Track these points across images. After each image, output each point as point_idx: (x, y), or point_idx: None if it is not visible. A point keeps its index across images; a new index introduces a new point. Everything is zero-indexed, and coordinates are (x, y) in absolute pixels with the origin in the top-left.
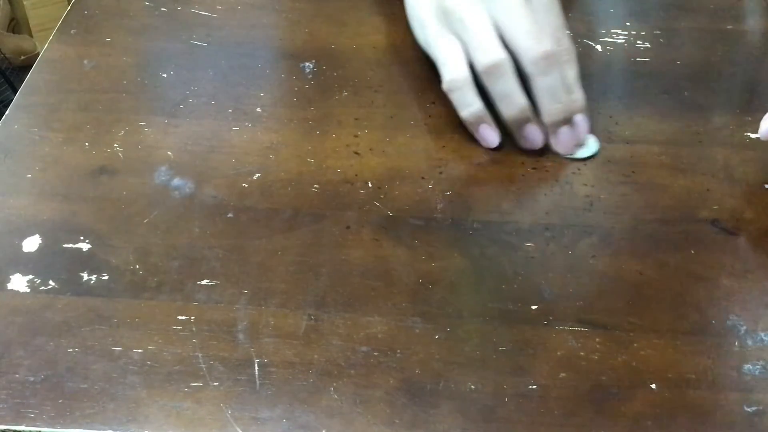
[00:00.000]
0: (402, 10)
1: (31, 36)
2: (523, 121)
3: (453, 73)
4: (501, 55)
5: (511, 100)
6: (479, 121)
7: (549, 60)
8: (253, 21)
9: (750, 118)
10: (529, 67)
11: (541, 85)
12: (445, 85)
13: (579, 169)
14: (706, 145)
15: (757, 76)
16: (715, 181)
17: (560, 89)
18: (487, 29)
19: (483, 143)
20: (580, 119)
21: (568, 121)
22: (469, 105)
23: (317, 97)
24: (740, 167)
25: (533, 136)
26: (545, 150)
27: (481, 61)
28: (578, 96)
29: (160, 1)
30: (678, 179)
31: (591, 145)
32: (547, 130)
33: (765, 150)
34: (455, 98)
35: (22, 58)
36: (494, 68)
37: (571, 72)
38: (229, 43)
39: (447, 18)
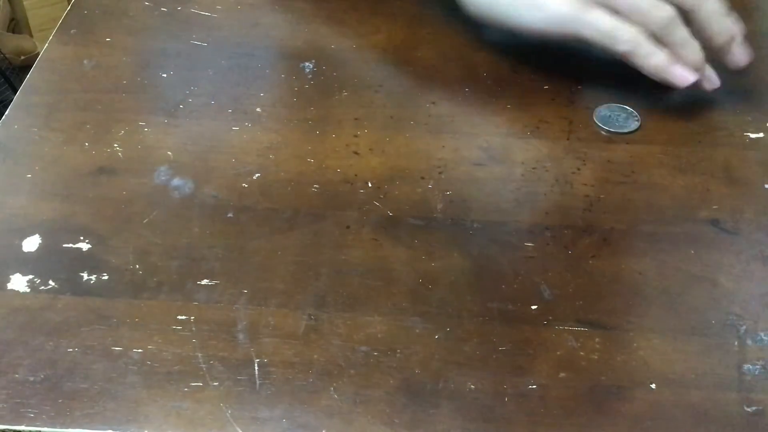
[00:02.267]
0: (403, 9)
1: (31, 36)
2: (702, 64)
3: (631, 30)
4: (669, 7)
5: (693, 45)
6: (671, 62)
7: None
8: (253, 21)
9: (750, 118)
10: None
11: (705, 10)
12: (626, 48)
13: (579, 169)
14: (706, 145)
15: (758, 76)
16: (715, 181)
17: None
18: None
19: (680, 82)
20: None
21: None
22: (656, 51)
23: (317, 97)
24: (740, 167)
25: (711, 76)
26: (545, 149)
27: (657, 18)
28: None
29: (160, 1)
30: (678, 179)
31: (632, 121)
32: (722, 50)
33: (765, 150)
34: (641, 53)
35: (22, 58)
36: (671, 20)
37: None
38: (229, 43)
39: None
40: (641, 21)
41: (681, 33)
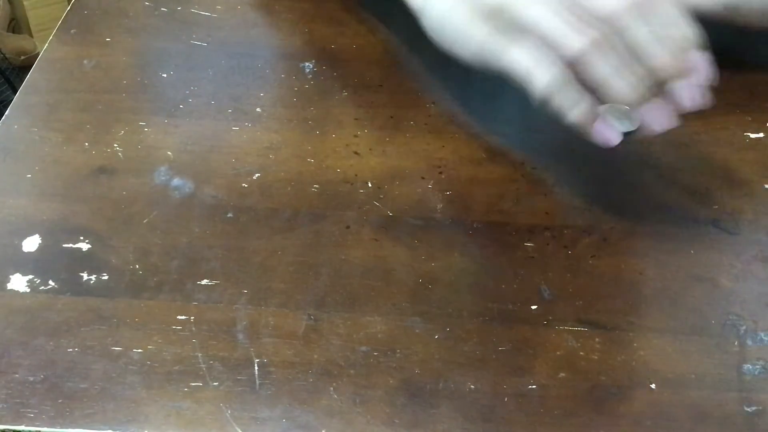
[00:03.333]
0: (403, 9)
1: (31, 36)
2: (645, 97)
3: (549, 73)
4: (592, 31)
5: (626, 74)
6: (593, 117)
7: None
8: (253, 21)
9: (750, 118)
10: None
11: (639, 35)
12: (543, 90)
13: (579, 169)
14: (706, 145)
15: (758, 76)
16: (715, 181)
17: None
18: (560, 12)
19: (602, 141)
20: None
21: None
22: (578, 102)
23: (317, 97)
24: (740, 167)
25: (659, 111)
26: (545, 150)
27: (578, 44)
28: (686, 30)
29: (160, 1)
30: (678, 179)
31: (633, 120)
32: (669, 86)
33: (765, 150)
34: (560, 100)
35: (22, 58)
36: (598, 44)
37: (666, 9)
38: (229, 43)
39: (501, 19)
40: (559, 48)
41: (611, 60)
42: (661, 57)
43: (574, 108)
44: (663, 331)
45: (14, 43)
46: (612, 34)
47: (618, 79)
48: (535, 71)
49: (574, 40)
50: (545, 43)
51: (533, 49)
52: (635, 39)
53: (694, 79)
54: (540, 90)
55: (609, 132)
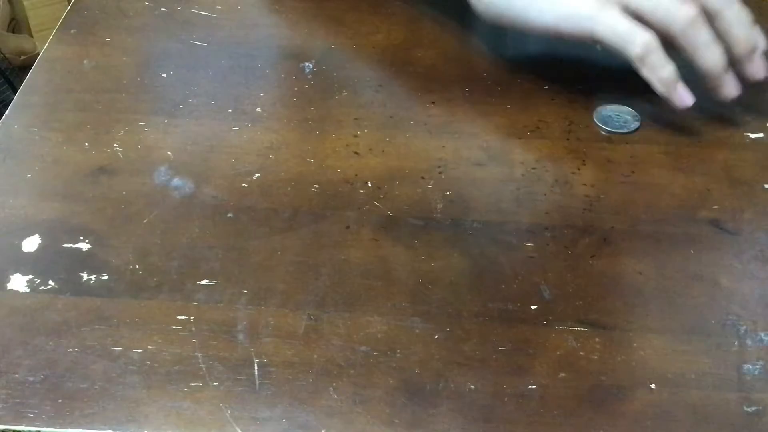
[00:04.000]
0: (402, 9)
1: (31, 36)
2: (724, 69)
3: (645, 36)
4: (695, 6)
5: (713, 48)
6: (676, 80)
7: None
8: (253, 21)
9: (750, 118)
10: (713, 5)
11: (730, 15)
12: (639, 51)
13: (579, 169)
14: (706, 145)
15: None
16: (715, 181)
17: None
18: None
19: (679, 104)
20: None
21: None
22: (666, 65)
23: (317, 97)
24: (740, 167)
25: (732, 82)
26: (545, 149)
27: (680, 17)
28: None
29: (160, 1)
30: (678, 179)
31: (632, 121)
32: (742, 60)
33: (765, 150)
34: (652, 61)
35: (22, 58)
36: (695, 20)
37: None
38: (229, 43)
39: None
40: (664, 19)
41: (704, 34)
42: (744, 36)
43: (663, 68)
44: (663, 331)
45: (14, 43)
46: (703, 12)
47: (709, 51)
48: (634, 33)
49: (684, 11)
50: (647, 11)
51: (627, 18)
52: (724, 18)
53: (758, 55)
54: (638, 47)
55: (687, 94)
